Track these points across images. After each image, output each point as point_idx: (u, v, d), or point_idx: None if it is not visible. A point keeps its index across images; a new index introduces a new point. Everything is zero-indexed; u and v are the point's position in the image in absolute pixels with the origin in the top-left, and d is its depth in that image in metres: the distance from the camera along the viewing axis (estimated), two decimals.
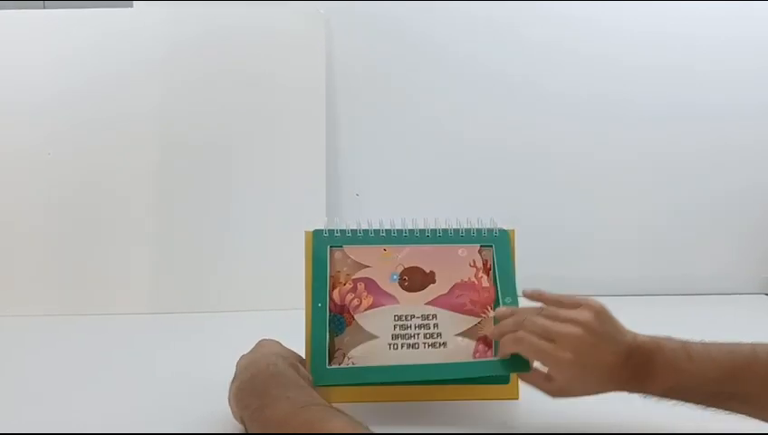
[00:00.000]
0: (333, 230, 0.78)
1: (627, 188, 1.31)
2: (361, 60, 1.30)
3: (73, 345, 1.02)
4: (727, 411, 0.63)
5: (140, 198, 1.22)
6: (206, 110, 1.24)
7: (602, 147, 1.30)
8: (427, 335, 0.74)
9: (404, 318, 0.74)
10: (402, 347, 0.73)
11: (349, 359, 0.73)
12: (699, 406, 0.63)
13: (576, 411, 0.71)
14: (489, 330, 0.74)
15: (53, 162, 1.22)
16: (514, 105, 1.29)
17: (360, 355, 0.73)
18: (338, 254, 0.77)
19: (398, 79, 1.30)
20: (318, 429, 0.56)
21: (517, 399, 0.76)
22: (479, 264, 0.78)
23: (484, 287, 0.77)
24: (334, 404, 0.62)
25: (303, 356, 0.74)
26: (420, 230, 0.79)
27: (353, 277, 0.76)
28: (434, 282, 0.76)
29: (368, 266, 0.77)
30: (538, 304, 0.70)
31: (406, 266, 0.77)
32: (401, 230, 0.79)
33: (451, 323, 0.75)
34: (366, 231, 0.78)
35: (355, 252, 0.77)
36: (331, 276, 0.76)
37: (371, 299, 0.75)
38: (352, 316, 0.74)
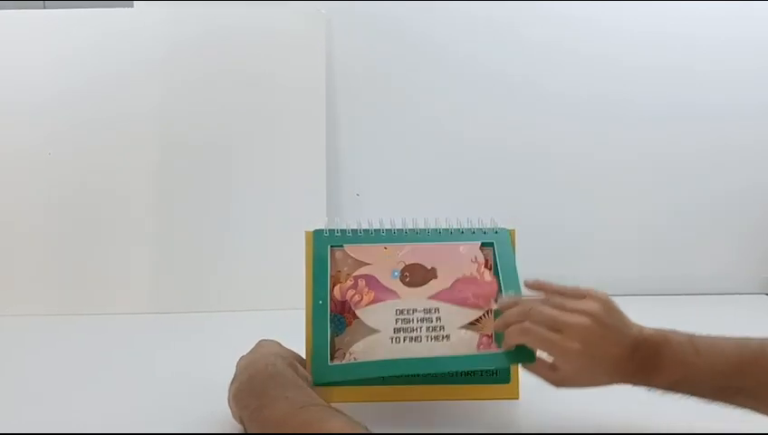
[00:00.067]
0: (334, 230, 0.78)
1: (627, 188, 1.31)
2: (361, 60, 1.30)
3: (73, 345, 1.02)
4: (734, 406, 0.62)
5: (140, 198, 1.22)
6: (206, 110, 1.24)
7: (602, 147, 1.30)
8: (430, 329, 0.73)
9: (406, 312, 0.74)
10: (404, 341, 0.72)
11: (350, 355, 0.72)
12: (705, 400, 0.63)
13: (576, 412, 0.71)
14: (491, 328, 0.73)
15: (53, 162, 1.22)
16: (514, 105, 1.29)
17: (362, 350, 0.72)
18: (338, 254, 0.77)
19: (398, 79, 1.30)
20: (317, 429, 0.56)
21: (517, 399, 0.76)
22: (480, 259, 0.77)
23: (486, 281, 0.76)
24: (333, 404, 0.62)
25: (303, 356, 0.74)
26: (421, 229, 0.79)
27: (354, 274, 0.76)
28: (435, 277, 0.76)
29: (368, 264, 0.76)
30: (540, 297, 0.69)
31: (407, 263, 0.76)
32: (402, 229, 0.79)
33: (454, 316, 0.74)
34: (366, 230, 0.78)
35: (356, 250, 0.77)
36: (331, 276, 0.75)
37: (372, 295, 0.74)
38: (353, 316, 0.74)
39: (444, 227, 0.79)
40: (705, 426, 0.65)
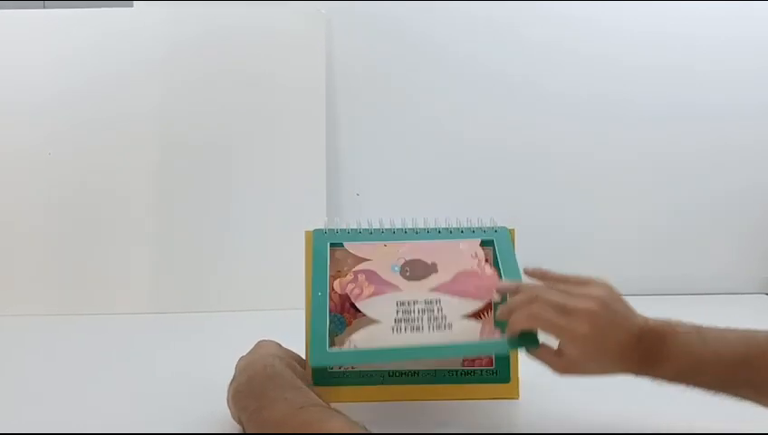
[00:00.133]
0: (333, 229, 0.78)
1: (627, 188, 1.31)
2: (361, 60, 1.30)
3: (73, 345, 1.02)
4: (738, 398, 0.61)
5: (140, 198, 1.22)
6: (206, 110, 1.24)
7: (602, 147, 1.30)
8: (432, 319, 0.71)
9: (407, 304, 0.72)
10: (406, 330, 0.70)
11: (350, 343, 0.71)
12: (710, 391, 0.62)
13: (576, 411, 0.71)
14: (493, 319, 0.72)
15: (53, 162, 1.22)
16: (514, 105, 1.29)
17: (362, 338, 0.71)
18: (339, 253, 0.77)
19: (398, 79, 1.30)
20: (316, 429, 0.56)
21: (517, 398, 0.76)
22: (480, 256, 0.77)
23: (487, 275, 0.75)
24: (332, 405, 0.62)
25: (302, 357, 0.74)
26: (420, 228, 0.79)
27: (354, 269, 0.75)
28: (436, 272, 0.75)
29: (368, 260, 0.76)
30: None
31: (407, 259, 0.76)
32: (401, 228, 0.79)
33: (456, 307, 0.72)
34: (366, 229, 0.78)
35: (355, 248, 0.77)
36: (331, 276, 0.75)
37: (373, 288, 0.74)
38: (352, 317, 0.74)
39: (443, 226, 0.79)
40: (705, 426, 0.65)
